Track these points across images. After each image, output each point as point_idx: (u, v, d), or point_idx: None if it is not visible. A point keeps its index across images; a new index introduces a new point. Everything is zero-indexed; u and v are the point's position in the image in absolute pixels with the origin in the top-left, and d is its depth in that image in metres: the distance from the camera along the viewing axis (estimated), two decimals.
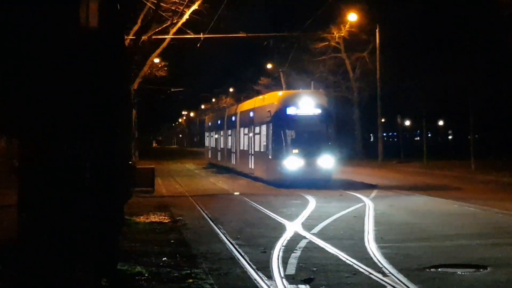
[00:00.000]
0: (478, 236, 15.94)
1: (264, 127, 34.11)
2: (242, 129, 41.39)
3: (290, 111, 31.80)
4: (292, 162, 30.82)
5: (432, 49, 51.33)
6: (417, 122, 60.87)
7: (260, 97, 40.59)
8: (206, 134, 64.69)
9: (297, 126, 31.93)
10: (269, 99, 35.39)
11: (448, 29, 47.88)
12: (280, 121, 31.79)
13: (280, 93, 35.82)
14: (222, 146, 50.37)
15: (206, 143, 64.04)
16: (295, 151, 30.91)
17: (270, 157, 32.46)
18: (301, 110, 31.83)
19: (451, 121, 66.98)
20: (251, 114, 38.29)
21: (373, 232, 16.37)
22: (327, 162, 31.17)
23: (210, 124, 61.52)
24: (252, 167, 37.54)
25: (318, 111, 31.94)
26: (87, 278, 8.58)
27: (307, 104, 31.92)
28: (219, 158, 51.91)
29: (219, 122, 52.71)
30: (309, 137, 31.62)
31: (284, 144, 31.29)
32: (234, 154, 44.04)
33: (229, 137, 46.35)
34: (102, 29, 8.69)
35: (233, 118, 44.53)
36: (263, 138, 34.33)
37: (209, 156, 59.50)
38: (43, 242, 7.43)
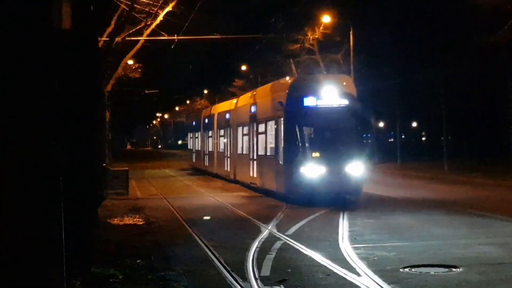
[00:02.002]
0: (451, 236, 16.05)
1: (271, 124, 27.01)
2: (239, 128, 33.76)
3: (308, 101, 24.27)
4: (312, 170, 23.30)
5: (405, 51, 51.65)
6: (391, 123, 61.21)
7: (264, 86, 32.72)
8: (190, 135, 57.06)
9: (317, 122, 24.38)
10: (277, 88, 27.74)
11: (422, 31, 48.22)
12: (294, 115, 24.23)
13: (293, 79, 27.70)
14: (210, 149, 43.51)
15: (190, 145, 56.79)
16: (316, 154, 23.57)
17: (281, 162, 25.05)
18: (322, 100, 24.29)
19: (424, 123, 67.43)
20: (253, 108, 30.57)
21: (348, 233, 16.45)
22: (357, 169, 23.79)
23: (195, 123, 53.25)
24: (255, 175, 29.83)
25: (345, 102, 24.41)
26: (60, 280, 8.53)
27: (330, 93, 24.36)
28: (206, 163, 45.45)
29: (206, 121, 45.66)
30: (334, 137, 24.26)
31: (300, 145, 23.83)
32: (227, 159, 36.85)
33: (221, 138, 39.54)
34: (75, 30, 8.64)
35: (227, 116, 37.36)
36: (270, 138, 27.30)
37: (194, 160, 52.93)
38: (15, 244, 7.37)
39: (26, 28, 7.11)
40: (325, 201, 22.52)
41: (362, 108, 25.33)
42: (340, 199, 23.22)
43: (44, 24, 7.29)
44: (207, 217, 20.32)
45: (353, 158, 23.64)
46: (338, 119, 24.18)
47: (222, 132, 39.05)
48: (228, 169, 36.42)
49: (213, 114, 42.79)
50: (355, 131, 24.62)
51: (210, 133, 43.70)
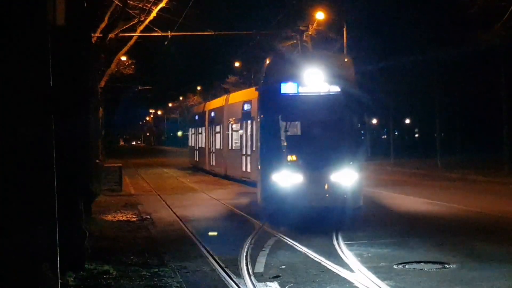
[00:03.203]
0: (445, 233, 16.08)
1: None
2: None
3: (287, 88, 18.88)
4: (285, 177, 18.15)
5: (399, 48, 51.71)
6: (384, 120, 61.31)
7: None
8: (192, 130, 51.49)
9: (298, 115, 19.43)
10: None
11: (415, 28, 48.28)
12: (269, 105, 19.24)
13: (270, 58, 20.87)
14: (218, 147, 38.70)
15: (191, 142, 51.09)
16: (291, 158, 18.46)
17: (258, 166, 20.04)
18: (306, 86, 18.84)
19: (417, 120, 67.56)
20: None
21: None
22: (350, 177, 18.23)
23: (197, 117, 47.78)
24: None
25: (336, 88, 18.89)
26: (53, 277, 8.52)
27: (317, 77, 18.80)
28: (212, 162, 40.60)
29: (213, 114, 40.69)
30: (319, 134, 18.86)
31: (274, 145, 18.81)
32: (245, 158, 31.58)
33: (234, 134, 34.57)
34: (69, 26, 8.63)
35: (245, 107, 31.37)
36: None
37: (196, 158, 47.48)
38: (7, 240, 7.36)
39: (21, 24, 7.10)
40: (306, 218, 17.79)
41: (361, 98, 19.22)
42: (327, 216, 17.97)
43: (38, 20, 7.28)
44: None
45: (344, 162, 18.06)
46: (326, 111, 18.73)
47: (235, 126, 34.05)
48: (248, 170, 31.01)
49: (222, 107, 37.88)
50: (349, 126, 18.93)
51: (217, 128, 38.68)
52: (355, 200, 18.41)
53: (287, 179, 18.07)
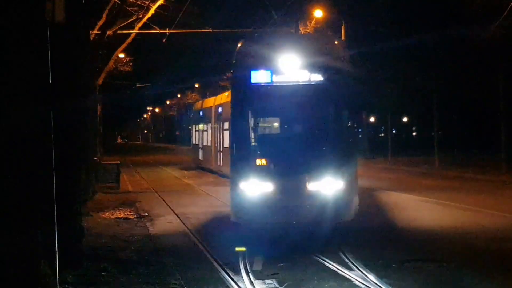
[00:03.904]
0: (444, 231, 16.07)
1: None
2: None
3: (258, 77, 15.41)
4: (254, 185, 14.77)
5: (396, 45, 51.70)
6: (382, 118, 61.32)
7: None
8: (195, 128, 47.80)
9: (271, 109, 16.08)
10: None
11: (413, 25, 48.28)
12: (239, 97, 15.84)
13: (242, 42, 16.58)
14: (227, 145, 31.56)
15: (194, 140, 47.54)
16: (261, 161, 15.03)
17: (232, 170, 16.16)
18: (282, 75, 15.33)
19: (415, 118, 67.62)
20: None
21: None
22: (337, 186, 14.75)
23: (202, 113, 44.63)
24: None
25: (318, 77, 15.29)
26: (51, 275, 8.52)
27: (296, 63, 15.20)
28: (220, 163, 36.73)
29: (220, 110, 37.10)
30: (299, 133, 15.81)
31: (244, 145, 15.48)
32: None
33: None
34: (68, 23, 8.62)
35: None
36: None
37: (200, 157, 44.39)
38: (6, 238, 7.36)
39: (20, 21, 7.09)
40: (280, 238, 14.67)
41: (352, 89, 15.96)
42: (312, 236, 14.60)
43: (37, 17, 7.27)
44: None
45: (329, 167, 14.68)
46: (307, 105, 15.50)
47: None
48: None
49: None
50: (336, 124, 15.49)
51: (227, 125, 34.08)
52: (345, 212, 14.82)
53: (255, 188, 14.55)
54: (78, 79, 12.10)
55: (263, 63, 15.23)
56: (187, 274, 11.50)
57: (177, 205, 21.94)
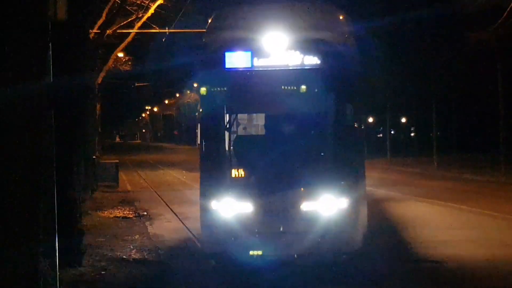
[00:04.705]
0: (440, 231, 16.04)
1: None
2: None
3: (234, 59, 11.61)
4: (229, 206, 11.32)
5: (395, 45, 51.75)
6: (380, 118, 61.32)
7: None
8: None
9: (253, 103, 12.30)
10: None
11: (412, 25, 48.30)
12: (208, 87, 11.73)
13: (214, 15, 12.96)
14: None
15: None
16: (238, 173, 11.63)
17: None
18: (265, 56, 11.57)
19: (413, 118, 67.64)
20: None
21: None
22: (340, 206, 11.23)
23: None
24: None
25: (314, 60, 11.52)
26: (52, 273, 8.53)
27: (284, 40, 11.54)
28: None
29: None
30: (288, 135, 12.01)
31: (215, 151, 11.88)
32: None
33: None
34: (69, 21, 8.61)
35: None
36: None
37: None
38: (7, 235, 7.36)
39: (21, 19, 7.08)
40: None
41: (357, 77, 12.17)
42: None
43: (39, 15, 7.26)
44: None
45: (329, 180, 11.21)
46: (299, 98, 11.56)
47: None
48: None
49: None
50: (337, 123, 11.48)
51: None
52: (350, 241, 11.30)
53: (230, 209, 11.13)
54: (78, 78, 12.10)
55: (241, 42, 11.54)
56: (188, 274, 11.50)
57: (176, 204, 21.93)
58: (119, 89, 68.06)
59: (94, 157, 27.71)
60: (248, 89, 11.68)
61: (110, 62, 36.24)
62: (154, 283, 10.71)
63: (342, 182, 11.25)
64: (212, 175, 11.50)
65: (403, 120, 69.27)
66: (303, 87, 11.46)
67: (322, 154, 11.54)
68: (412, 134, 76.38)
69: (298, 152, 11.58)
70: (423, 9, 44.01)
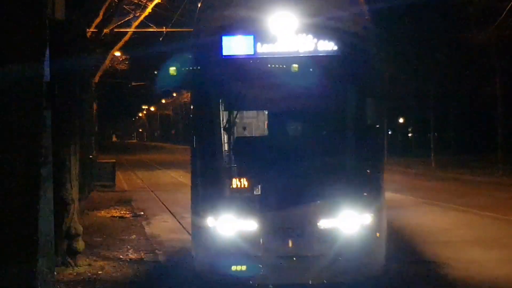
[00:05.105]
0: (437, 233, 16.01)
1: None
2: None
3: (234, 45, 9.41)
4: (229, 224, 9.25)
5: (391, 45, 51.77)
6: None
7: None
8: None
9: (256, 98, 10.25)
10: None
11: (410, 26, 48.34)
12: (200, 79, 9.57)
13: None
14: None
15: None
16: (239, 182, 9.48)
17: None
18: (272, 42, 9.38)
19: (411, 119, 67.70)
20: None
21: None
22: (360, 223, 9.25)
23: None
24: None
25: (330, 46, 9.32)
26: (48, 273, 8.47)
27: (292, 22, 9.34)
28: None
29: None
30: (299, 137, 10.29)
31: (210, 156, 9.56)
32: None
33: None
34: (67, 20, 8.57)
35: None
36: None
37: None
38: (2, 237, 7.31)
39: (19, 18, 7.03)
40: None
41: (379, 68, 10.30)
42: None
43: (37, 14, 7.21)
44: None
45: (350, 192, 9.33)
46: (313, 90, 9.73)
47: None
48: None
49: None
50: (359, 120, 9.66)
51: None
52: (373, 262, 9.42)
53: (230, 227, 9.22)
54: (76, 77, 12.05)
55: (242, 24, 9.53)
56: (184, 274, 11.46)
57: (173, 204, 21.87)
58: (115, 88, 67.97)
59: (90, 156, 27.64)
60: (250, 81, 9.76)
61: (107, 61, 36.18)
62: (151, 283, 10.66)
63: (365, 194, 9.36)
64: (208, 185, 9.42)
65: (401, 120, 69.33)
66: (317, 78, 9.43)
67: (340, 159, 9.48)
68: (410, 135, 76.45)
69: (312, 157, 9.64)
70: (420, 9, 44.03)
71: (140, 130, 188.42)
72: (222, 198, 9.32)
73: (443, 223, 17.42)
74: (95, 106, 36.50)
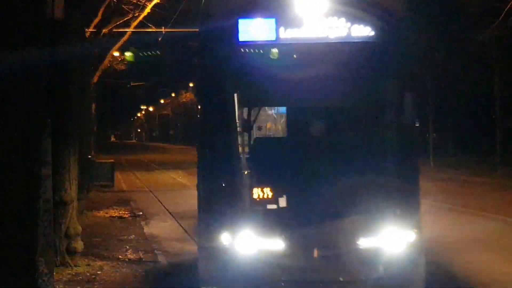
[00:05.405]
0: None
1: None
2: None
3: (252, 30, 7.86)
4: (250, 244, 7.59)
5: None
6: None
7: None
8: None
9: (278, 92, 8.39)
10: None
11: (408, 25, 48.36)
12: (212, 71, 8.06)
13: None
14: None
15: None
16: (263, 193, 7.96)
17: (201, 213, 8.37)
18: (297, 26, 7.87)
19: None
20: None
21: None
22: (405, 240, 7.76)
23: None
24: None
25: (367, 31, 7.89)
26: (48, 273, 8.47)
27: (321, 2, 7.81)
28: None
29: None
30: (330, 138, 8.69)
31: (223, 160, 7.85)
32: None
33: None
34: (66, 20, 8.57)
35: None
36: None
37: None
38: (3, 237, 7.32)
39: (19, 18, 7.03)
40: None
41: (416, 52, 8.99)
42: None
43: (37, 13, 7.21)
44: None
45: (393, 205, 7.82)
46: (346, 84, 8.27)
47: None
48: None
49: None
50: (401, 120, 8.08)
51: None
52: (416, 283, 8.09)
53: (251, 247, 7.66)
54: (75, 77, 12.04)
55: (262, 4, 8.13)
56: (183, 275, 11.44)
57: (172, 204, 21.86)
58: (114, 88, 67.98)
59: (89, 156, 27.62)
60: (271, 71, 8.08)
61: (106, 61, 36.15)
62: (150, 283, 10.65)
63: (409, 206, 7.96)
64: (223, 195, 7.82)
65: None
66: (350, 69, 8.17)
67: (381, 164, 7.98)
68: None
69: (347, 162, 8.09)
70: (420, 9, 44.06)
71: (139, 130, 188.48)
72: (241, 210, 7.70)
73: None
74: (94, 106, 36.47)
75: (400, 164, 7.99)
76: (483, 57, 38.63)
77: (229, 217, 7.66)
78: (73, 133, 12.12)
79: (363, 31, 7.92)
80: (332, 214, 7.72)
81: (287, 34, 7.91)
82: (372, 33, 7.89)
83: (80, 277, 10.68)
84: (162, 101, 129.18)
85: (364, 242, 7.70)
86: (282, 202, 7.90)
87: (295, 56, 8.10)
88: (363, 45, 7.92)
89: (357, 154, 8.12)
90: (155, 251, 13.42)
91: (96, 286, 10.33)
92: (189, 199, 23.85)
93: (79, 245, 11.67)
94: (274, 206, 7.88)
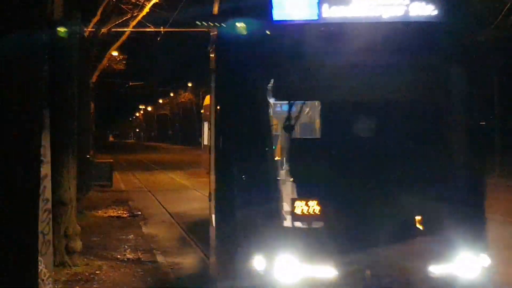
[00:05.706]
0: None
1: None
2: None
3: (289, 7, 6.57)
4: (291, 273, 6.24)
5: None
6: None
7: None
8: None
9: (322, 82, 6.76)
10: None
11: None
12: (238, 58, 6.61)
13: None
14: None
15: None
16: (306, 207, 6.38)
17: (212, 218, 7.64)
18: (345, 3, 6.59)
19: None
20: None
21: None
22: (479, 265, 6.46)
23: None
24: None
25: (429, 9, 6.59)
26: (47, 273, 8.47)
27: None
28: None
29: None
30: (387, 137, 6.87)
31: (255, 165, 6.48)
32: None
33: None
34: (65, 20, 8.56)
35: None
36: None
37: None
38: (2, 237, 7.30)
39: (17, 18, 6.99)
40: None
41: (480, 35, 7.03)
42: None
43: (36, 13, 7.18)
44: None
45: (467, 224, 6.50)
46: (406, 73, 6.75)
47: None
48: None
49: None
50: (469, 118, 6.94)
51: None
52: None
53: (292, 271, 6.38)
54: (74, 76, 12.03)
55: None
56: (182, 273, 11.45)
57: (170, 204, 21.85)
58: (113, 88, 67.96)
59: (88, 156, 27.60)
60: (312, 57, 6.67)
61: (105, 61, 36.14)
62: (148, 283, 10.64)
63: (481, 224, 6.66)
64: (253, 209, 6.36)
65: None
66: (408, 54, 6.71)
67: (449, 174, 6.66)
68: None
69: (408, 169, 6.69)
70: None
71: (137, 130, 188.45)
72: (278, 229, 6.37)
73: None
74: (92, 105, 36.42)
75: (469, 174, 6.71)
76: (482, 56, 38.56)
77: (264, 237, 6.32)
78: (72, 133, 12.11)
79: (424, 9, 6.69)
80: (395, 234, 6.31)
81: (331, 12, 6.67)
82: (435, 11, 6.67)
83: (79, 277, 10.67)
84: (160, 101, 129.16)
85: (437, 269, 6.41)
86: (331, 218, 6.47)
87: (340, 38, 6.61)
88: (423, 26, 6.67)
89: (420, 160, 6.73)
90: (154, 250, 13.41)
91: (94, 286, 10.33)
92: (189, 200, 23.95)
93: (78, 244, 11.66)
94: (321, 224, 6.52)
